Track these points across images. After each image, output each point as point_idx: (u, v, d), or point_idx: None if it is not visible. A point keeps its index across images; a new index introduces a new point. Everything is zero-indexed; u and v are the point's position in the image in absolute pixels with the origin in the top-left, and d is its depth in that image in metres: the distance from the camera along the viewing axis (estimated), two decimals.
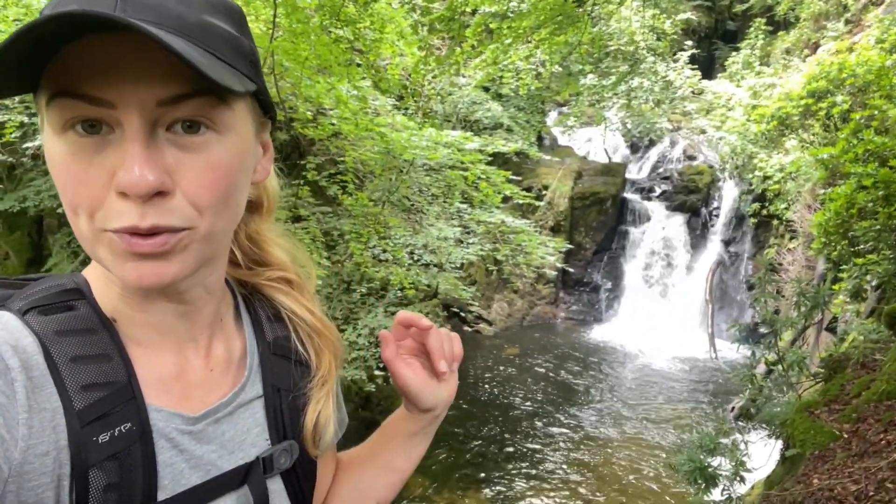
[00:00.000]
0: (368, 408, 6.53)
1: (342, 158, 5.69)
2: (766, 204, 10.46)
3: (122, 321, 0.63)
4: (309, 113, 5.60)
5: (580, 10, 6.14)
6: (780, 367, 4.09)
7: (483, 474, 6.12)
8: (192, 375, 0.66)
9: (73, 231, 0.58)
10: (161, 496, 0.59)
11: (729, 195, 11.51)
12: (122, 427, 0.57)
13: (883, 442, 2.81)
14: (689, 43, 14.26)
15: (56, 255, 5.82)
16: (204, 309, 0.68)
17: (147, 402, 0.60)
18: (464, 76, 10.45)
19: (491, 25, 5.95)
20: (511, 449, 6.59)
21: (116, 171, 0.53)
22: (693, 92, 13.60)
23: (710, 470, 3.36)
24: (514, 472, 6.16)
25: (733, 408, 7.05)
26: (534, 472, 6.19)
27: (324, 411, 0.74)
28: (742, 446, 3.97)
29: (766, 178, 10.12)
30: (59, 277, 0.64)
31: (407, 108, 7.73)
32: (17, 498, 0.51)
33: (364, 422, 6.48)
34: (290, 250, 0.80)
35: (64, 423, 0.55)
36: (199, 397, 0.66)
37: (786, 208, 9.95)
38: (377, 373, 6.47)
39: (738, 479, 3.55)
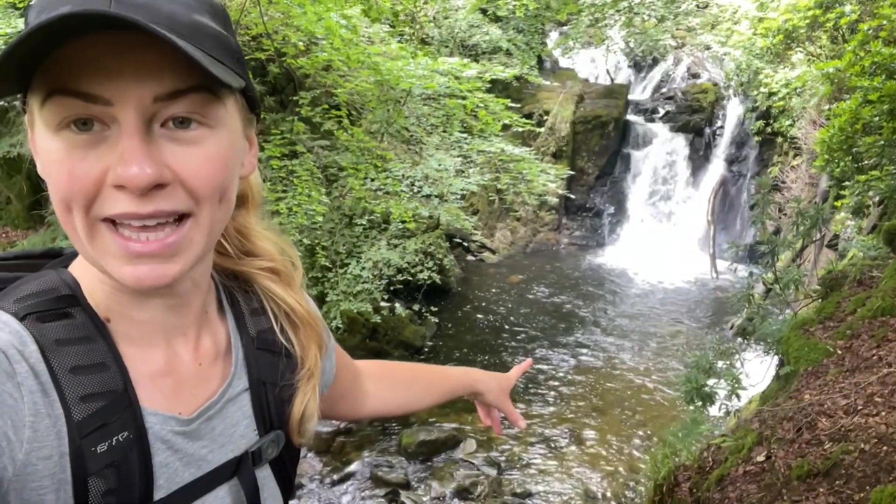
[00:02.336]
0: (375, 338, 6.69)
1: (338, 91, 5.58)
2: (771, 121, 10.28)
3: (115, 320, 0.64)
4: (301, 43, 5.44)
5: None
6: (776, 286, 4.14)
7: None
8: (181, 370, 0.68)
9: (65, 230, 0.58)
10: (157, 496, 0.62)
11: (733, 113, 11.30)
12: (119, 436, 0.59)
13: (875, 357, 2.89)
14: None
15: None
16: (192, 301, 0.69)
17: (142, 405, 0.62)
18: None
19: None
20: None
21: (113, 167, 0.53)
22: (697, 6, 13.08)
23: (705, 389, 3.47)
24: (518, 396, 6.36)
25: (732, 326, 7.19)
26: (539, 396, 6.39)
27: (309, 405, 0.77)
28: (738, 365, 4.08)
29: (771, 94, 9.90)
30: (49, 277, 0.64)
31: (402, 35, 7.50)
32: (19, 496, 0.53)
33: (371, 351, 6.65)
34: (279, 243, 0.81)
35: (66, 430, 0.56)
36: (190, 391, 0.68)
37: (790, 125, 9.78)
38: (382, 304, 6.59)
39: (734, 396, 3.68)
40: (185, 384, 0.68)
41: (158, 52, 0.52)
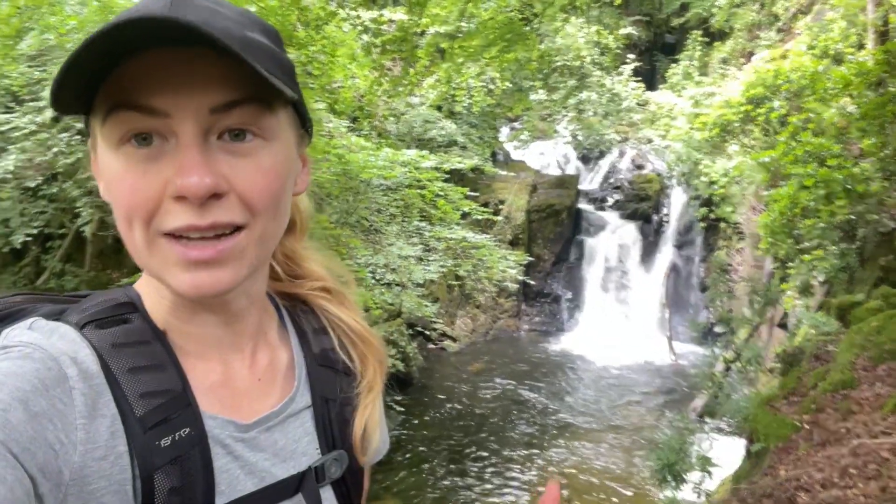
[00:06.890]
0: None
1: None
2: (714, 208, 10.83)
3: (173, 332, 0.65)
4: None
5: (527, 28, 6.30)
6: (737, 363, 4.23)
7: (454, 492, 6.09)
8: (239, 383, 0.68)
9: (127, 245, 0.59)
10: (219, 501, 0.61)
11: (678, 201, 11.87)
12: (181, 432, 0.59)
13: (842, 430, 2.93)
14: (632, 56, 14.73)
15: None
16: (247, 319, 0.70)
17: (201, 409, 0.62)
18: (417, 96, 10.54)
19: (442, 45, 6.04)
20: (482, 463, 6.58)
21: (172, 179, 0.55)
22: (638, 103, 14.02)
23: (677, 467, 3.44)
24: (486, 485, 6.15)
25: (695, 409, 7.22)
26: (507, 484, 6.20)
27: (371, 417, 0.76)
28: (707, 443, 4.08)
29: (711, 182, 10.49)
30: (113, 292, 0.66)
31: (362, 129, 7.75)
32: (79, 500, 0.53)
33: None
34: (327, 264, 0.82)
35: (122, 429, 0.56)
36: (248, 405, 0.68)
37: (732, 211, 10.32)
38: None
39: (706, 474, 3.66)
40: (243, 396, 0.68)
41: (211, 65, 0.54)
